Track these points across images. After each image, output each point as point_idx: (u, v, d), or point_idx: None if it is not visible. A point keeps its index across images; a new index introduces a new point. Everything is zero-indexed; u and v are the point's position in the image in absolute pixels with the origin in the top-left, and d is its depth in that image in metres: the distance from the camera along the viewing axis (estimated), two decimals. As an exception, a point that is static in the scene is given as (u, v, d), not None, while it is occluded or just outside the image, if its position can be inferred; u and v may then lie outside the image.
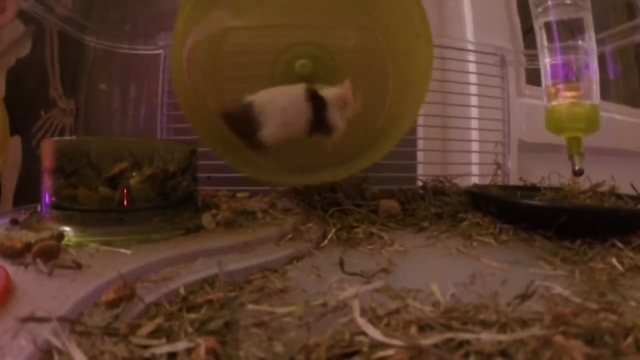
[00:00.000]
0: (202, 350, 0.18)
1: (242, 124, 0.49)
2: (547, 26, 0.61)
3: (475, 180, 0.80)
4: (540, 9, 0.61)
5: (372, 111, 0.58)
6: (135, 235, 0.37)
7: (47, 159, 0.39)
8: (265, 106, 0.49)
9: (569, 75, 0.60)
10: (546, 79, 0.62)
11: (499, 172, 0.77)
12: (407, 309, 0.23)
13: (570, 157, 0.59)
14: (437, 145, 0.85)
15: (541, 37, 0.62)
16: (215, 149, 0.56)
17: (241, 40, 0.59)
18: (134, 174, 0.38)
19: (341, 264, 0.32)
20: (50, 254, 0.29)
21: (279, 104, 0.49)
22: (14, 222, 0.41)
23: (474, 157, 0.84)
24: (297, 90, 0.50)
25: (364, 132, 0.59)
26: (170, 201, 0.41)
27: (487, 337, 0.18)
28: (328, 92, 0.51)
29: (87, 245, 0.33)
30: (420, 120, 0.80)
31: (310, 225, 0.45)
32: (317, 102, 0.50)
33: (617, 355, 0.17)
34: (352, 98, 0.51)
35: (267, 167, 0.59)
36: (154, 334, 0.20)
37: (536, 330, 0.18)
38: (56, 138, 0.66)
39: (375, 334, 0.19)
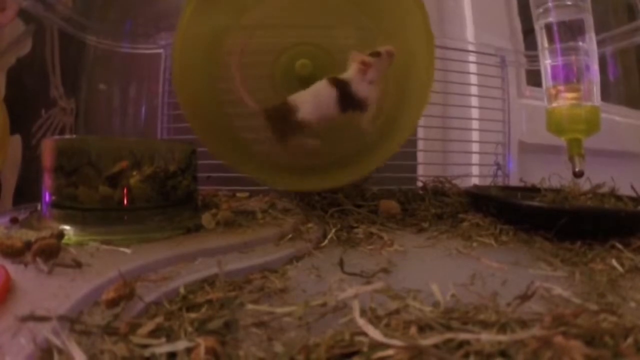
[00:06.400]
0: (201, 350, 0.18)
1: (281, 115, 0.53)
2: (548, 27, 0.61)
3: (475, 181, 0.80)
4: (540, 10, 0.61)
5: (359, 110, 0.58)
6: (135, 234, 0.37)
7: (48, 158, 0.39)
8: (298, 95, 0.53)
9: (570, 77, 0.60)
10: (547, 80, 0.62)
11: (499, 173, 0.77)
12: (407, 309, 0.23)
13: (571, 159, 0.59)
14: (437, 146, 0.84)
15: (542, 38, 0.62)
16: (215, 149, 0.56)
17: (241, 40, 0.58)
18: (134, 173, 0.38)
19: (341, 264, 0.32)
20: (50, 253, 0.29)
21: (310, 93, 0.53)
22: (14, 220, 0.41)
23: (474, 158, 0.84)
24: (321, 81, 0.54)
25: (364, 135, 0.59)
26: (170, 201, 0.41)
27: (487, 338, 0.18)
28: (347, 73, 0.54)
29: (87, 244, 0.33)
30: (421, 121, 0.80)
31: (310, 225, 0.45)
32: (340, 83, 0.53)
33: (617, 356, 0.17)
34: (367, 58, 0.53)
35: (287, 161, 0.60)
36: (153, 333, 0.20)
37: (536, 331, 0.18)
38: (56, 137, 0.66)
39: (375, 334, 0.19)
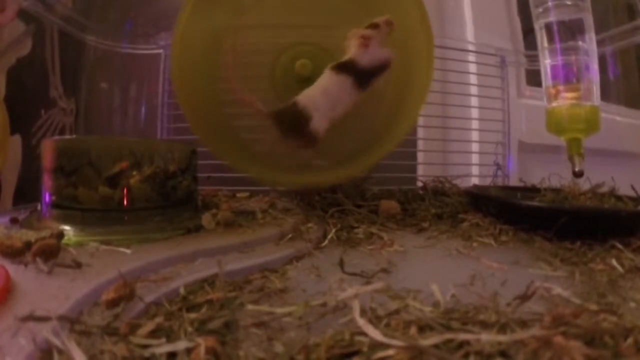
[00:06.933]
0: (201, 350, 0.18)
1: (291, 121, 0.50)
2: (548, 27, 0.61)
3: (475, 181, 0.80)
4: (540, 10, 0.61)
5: (371, 111, 0.58)
6: (135, 234, 0.37)
7: (47, 158, 0.39)
8: (309, 98, 0.51)
9: (570, 76, 0.60)
10: (546, 79, 0.62)
11: (499, 172, 0.77)
12: (407, 309, 0.23)
13: (570, 158, 0.59)
14: (437, 146, 0.84)
15: (541, 38, 0.62)
16: (216, 149, 0.56)
17: (241, 40, 0.59)
18: (134, 173, 0.38)
19: (341, 264, 0.32)
20: (50, 253, 0.29)
21: (319, 90, 0.51)
22: (14, 221, 0.41)
23: (474, 158, 0.84)
24: (325, 74, 0.52)
25: (363, 132, 0.59)
26: (170, 201, 0.41)
27: (487, 338, 0.18)
28: (347, 53, 0.52)
29: (87, 244, 0.33)
30: (421, 121, 0.80)
31: (310, 225, 0.45)
32: (345, 66, 0.51)
33: (617, 356, 0.17)
34: (366, 32, 0.51)
35: (315, 164, 0.60)
36: (153, 334, 0.20)
37: (536, 331, 0.18)
38: (56, 137, 0.66)
39: (375, 334, 0.19)
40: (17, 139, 0.66)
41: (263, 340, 0.21)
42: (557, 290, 0.26)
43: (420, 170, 0.83)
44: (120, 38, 0.79)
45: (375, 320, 0.21)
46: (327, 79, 0.52)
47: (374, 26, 0.52)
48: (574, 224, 0.40)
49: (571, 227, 0.39)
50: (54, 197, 0.38)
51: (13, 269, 0.27)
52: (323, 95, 0.51)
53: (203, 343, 0.18)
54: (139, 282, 0.27)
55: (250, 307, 0.24)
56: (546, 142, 0.75)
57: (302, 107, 0.50)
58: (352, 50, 0.52)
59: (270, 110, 0.52)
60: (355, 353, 0.18)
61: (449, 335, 0.18)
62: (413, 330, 0.20)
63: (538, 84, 0.73)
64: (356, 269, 0.32)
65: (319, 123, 0.50)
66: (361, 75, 0.51)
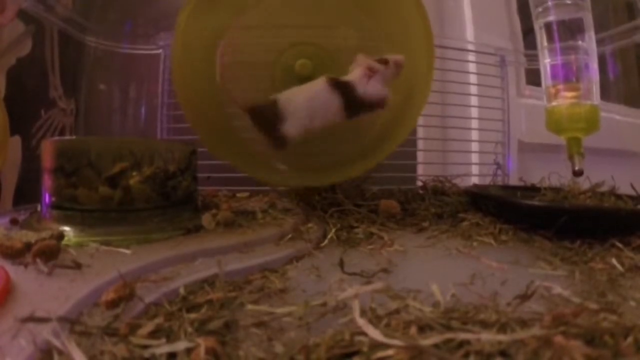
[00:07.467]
0: (201, 350, 0.18)
1: (266, 118, 0.49)
2: (547, 26, 0.61)
3: (475, 180, 0.80)
4: (540, 9, 0.61)
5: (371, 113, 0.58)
6: (135, 235, 0.37)
7: (47, 158, 0.39)
8: (290, 100, 0.49)
9: (569, 76, 0.60)
10: (546, 79, 0.62)
11: (499, 172, 0.77)
12: (407, 309, 0.23)
13: (570, 158, 0.59)
14: (437, 146, 0.85)
15: (541, 38, 0.62)
16: (216, 149, 0.56)
17: (241, 40, 0.58)
18: (134, 173, 0.38)
19: (341, 264, 0.32)
20: (50, 254, 0.29)
21: (304, 96, 0.49)
22: (14, 221, 0.41)
23: (474, 157, 0.84)
24: (319, 82, 0.49)
25: (363, 134, 0.59)
26: (170, 201, 0.41)
27: (487, 337, 0.18)
28: (350, 75, 0.50)
29: (87, 245, 0.33)
30: (420, 121, 0.80)
31: (310, 225, 0.45)
32: (342, 86, 0.49)
33: (617, 356, 0.17)
34: (374, 65, 0.49)
35: (279, 168, 0.58)
36: (153, 334, 0.20)
37: (536, 331, 0.18)
38: (56, 138, 0.66)
39: (375, 334, 0.19)
40: (17, 139, 0.66)
41: (263, 340, 0.21)
42: (557, 289, 0.26)
43: (420, 169, 0.83)
44: (120, 38, 0.79)
45: (375, 320, 0.21)
46: (318, 90, 0.49)
47: (384, 62, 0.50)
48: (574, 223, 0.40)
49: (571, 226, 0.39)
50: (53, 198, 0.38)
51: (13, 270, 0.27)
52: (305, 104, 0.48)
53: (203, 343, 0.18)
54: (139, 283, 0.27)
55: (250, 307, 0.24)
56: (546, 141, 0.75)
57: (280, 107, 0.48)
58: (354, 75, 0.50)
59: (249, 104, 0.50)
60: (355, 353, 0.18)
61: (449, 335, 0.18)
62: (413, 330, 0.20)
63: (538, 83, 0.73)
64: (356, 269, 0.32)
65: (291, 128, 0.48)
66: (353, 103, 0.49)
